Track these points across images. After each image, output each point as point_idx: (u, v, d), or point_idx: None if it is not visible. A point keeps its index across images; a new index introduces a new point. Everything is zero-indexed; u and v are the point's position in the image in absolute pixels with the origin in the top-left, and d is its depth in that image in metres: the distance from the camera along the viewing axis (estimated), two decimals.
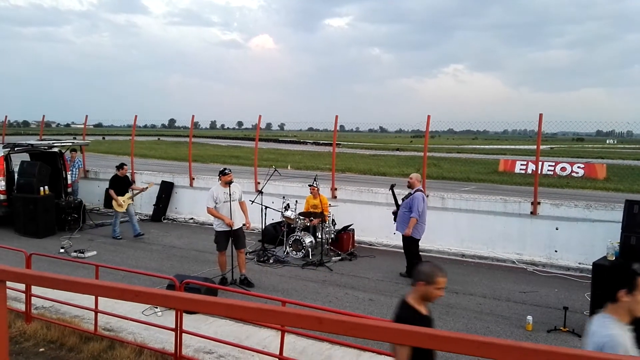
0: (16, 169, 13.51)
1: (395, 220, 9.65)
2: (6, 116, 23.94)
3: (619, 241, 6.90)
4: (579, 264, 9.81)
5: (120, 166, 12.53)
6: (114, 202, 12.28)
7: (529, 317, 7.04)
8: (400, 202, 9.63)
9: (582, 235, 9.93)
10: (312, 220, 10.89)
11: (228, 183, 8.71)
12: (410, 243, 9.24)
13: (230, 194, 8.65)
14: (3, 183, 13.02)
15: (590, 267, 7.03)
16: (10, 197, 13.03)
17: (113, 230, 12.51)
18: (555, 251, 10.19)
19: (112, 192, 12.23)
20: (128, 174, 13.18)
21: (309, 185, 11.44)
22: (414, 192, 9.21)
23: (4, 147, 13.52)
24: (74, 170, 15.62)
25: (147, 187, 12.82)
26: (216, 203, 8.66)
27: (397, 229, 9.56)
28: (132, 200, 12.65)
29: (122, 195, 12.30)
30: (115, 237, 12.35)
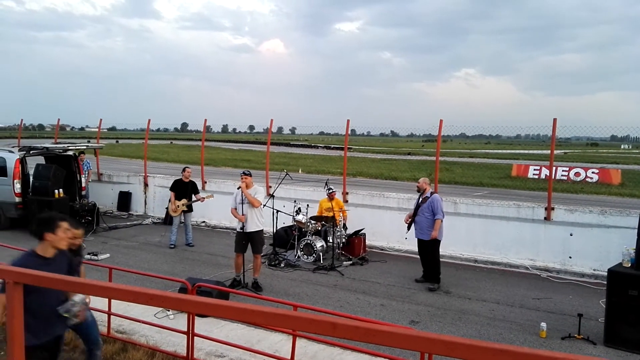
0: (31, 171, 13.64)
1: (408, 229, 9.46)
2: (22, 120, 24.27)
3: (634, 247, 6.81)
4: (594, 270, 9.71)
5: (183, 170, 12.12)
6: (169, 206, 11.98)
7: (543, 324, 6.97)
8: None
9: (597, 242, 9.82)
10: (324, 224, 10.90)
11: (246, 185, 8.80)
12: (435, 246, 9.10)
13: (243, 197, 8.70)
14: (19, 186, 13.15)
15: (605, 273, 6.94)
16: (26, 200, 13.15)
17: (169, 237, 12.04)
18: (570, 257, 10.09)
19: (172, 195, 11.85)
20: (172, 179, 12.33)
21: (330, 191, 11.39)
22: (431, 195, 9.14)
23: (19, 150, 13.67)
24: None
25: (205, 198, 12.04)
26: (236, 204, 8.81)
27: (418, 236, 9.25)
28: (190, 208, 11.97)
29: (179, 200, 11.81)
30: (169, 245, 11.87)
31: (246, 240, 8.78)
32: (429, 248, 9.14)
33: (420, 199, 9.30)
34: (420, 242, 9.26)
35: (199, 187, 14.49)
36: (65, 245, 4.03)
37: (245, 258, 8.91)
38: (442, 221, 9.01)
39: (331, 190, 11.35)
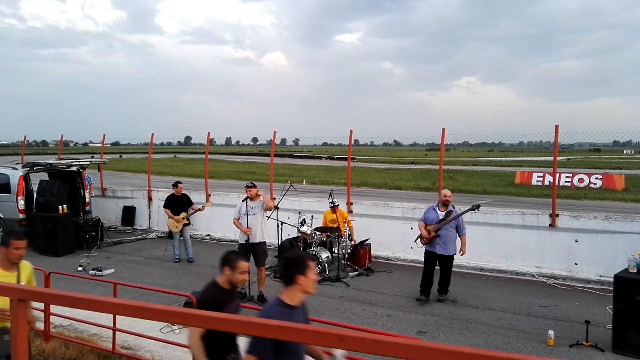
0: (35, 188, 13.68)
1: (424, 242, 8.91)
2: (25, 136, 24.37)
3: None
4: (600, 276, 9.65)
5: (175, 184, 12.06)
6: (168, 222, 11.89)
7: (551, 332, 6.92)
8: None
9: (603, 247, 9.78)
10: (329, 235, 10.88)
11: (246, 198, 8.81)
12: (453, 261, 8.83)
13: (250, 208, 8.71)
14: (22, 202, 13.18)
15: (612, 279, 6.91)
16: (30, 216, 13.18)
17: (172, 252, 12.01)
18: (576, 264, 10.04)
19: (167, 211, 11.78)
20: (167, 192, 12.32)
21: (332, 205, 11.34)
22: (454, 209, 8.86)
23: (23, 167, 13.72)
24: None
25: (203, 207, 12.12)
26: (240, 215, 8.84)
27: (441, 252, 8.67)
28: (188, 220, 11.98)
29: (177, 214, 11.75)
30: (173, 260, 11.84)
31: (249, 252, 8.77)
32: (448, 263, 8.78)
33: (444, 213, 8.82)
34: (436, 257, 8.75)
35: (203, 200, 14.49)
36: (313, 288, 3.45)
37: (250, 271, 8.88)
38: None
39: (333, 205, 11.32)
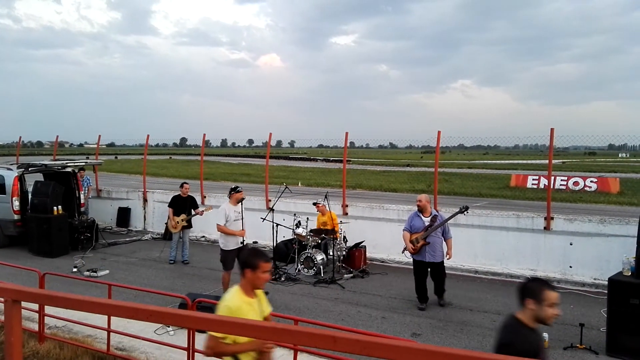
0: (30, 189, 13.64)
1: (414, 252, 8.50)
2: (20, 137, 24.25)
3: (634, 256, 6.80)
4: (594, 279, 9.68)
5: (181, 185, 12.02)
6: (168, 222, 11.95)
7: (545, 334, 6.91)
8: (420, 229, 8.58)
9: (597, 251, 9.81)
10: (324, 237, 10.89)
11: (239, 201, 8.77)
12: (444, 264, 8.64)
13: (236, 213, 8.68)
14: (17, 203, 13.14)
15: (606, 282, 6.93)
16: (24, 217, 13.14)
17: (169, 253, 12.00)
18: (570, 267, 10.07)
19: (170, 211, 11.79)
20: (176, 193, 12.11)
21: (314, 204, 11.48)
22: (439, 213, 8.74)
23: (18, 168, 13.68)
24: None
25: (203, 211, 11.93)
26: (227, 221, 8.62)
27: (431, 260, 8.38)
28: (189, 223, 11.86)
29: (179, 216, 11.70)
30: (168, 261, 11.83)
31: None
32: (440, 269, 8.59)
33: (429, 218, 8.52)
34: (426, 265, 8.49)
35: (198, 201, 14.44)
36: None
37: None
38: None
39: (316, 203, 11.37)
